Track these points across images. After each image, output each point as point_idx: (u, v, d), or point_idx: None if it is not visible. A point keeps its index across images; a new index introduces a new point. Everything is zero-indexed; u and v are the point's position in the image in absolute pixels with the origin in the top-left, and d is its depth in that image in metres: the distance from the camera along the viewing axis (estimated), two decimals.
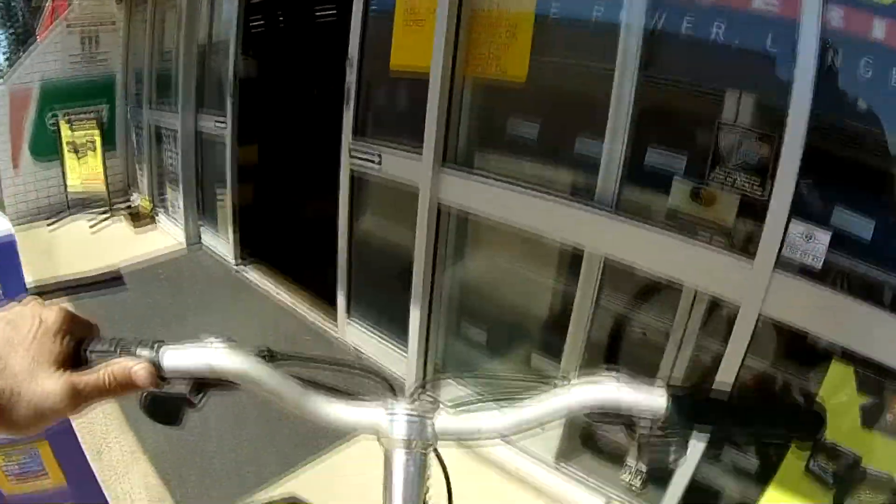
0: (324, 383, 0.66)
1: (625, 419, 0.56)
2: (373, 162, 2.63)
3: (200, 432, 2.27)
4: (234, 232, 3.77)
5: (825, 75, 1.69)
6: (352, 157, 2.72)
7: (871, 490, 1.75)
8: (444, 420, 0.63)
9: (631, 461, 2.04)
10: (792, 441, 0.85)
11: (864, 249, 1.72)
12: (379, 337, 2.89)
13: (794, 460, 1.77)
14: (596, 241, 1.96)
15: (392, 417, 0.62)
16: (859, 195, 1.78)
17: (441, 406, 0.66)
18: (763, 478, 1.82)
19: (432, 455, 0.63)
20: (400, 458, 0.61)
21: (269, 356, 0.63)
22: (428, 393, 0.67)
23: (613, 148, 1.95)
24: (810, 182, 1.73)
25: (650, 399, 0.57)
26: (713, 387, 0.94)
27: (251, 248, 3.84)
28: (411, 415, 0.62)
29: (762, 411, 0.66)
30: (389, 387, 0.68)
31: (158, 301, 3.38)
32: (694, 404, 0.58)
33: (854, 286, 1.70)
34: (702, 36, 1.93)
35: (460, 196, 2.33)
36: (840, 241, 1.70)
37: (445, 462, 0.67)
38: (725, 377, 1.71)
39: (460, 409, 0.67)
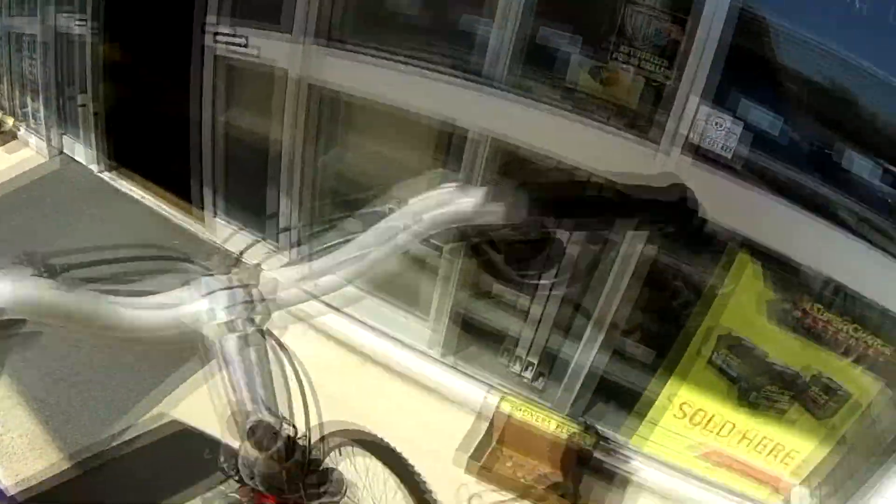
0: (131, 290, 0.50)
1: (481, 232, 0.41)
2: (239, 45, 2.28)
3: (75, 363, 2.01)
4: (97, 138, 3.38)
5: None
6: (216, 42, 2.35)
7: (776, 385, 1.81)
8: (270, 285, 0.51)
9: (521, 351, 1.99)
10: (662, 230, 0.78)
11: (771, 146, 1.68)
12: (249, 233, 2.63)
13: (695, 353, 1.77)
14: (483, 120, 1.79)
15: (209, 298, 0.48)
16: (771, 92, 1.72)
17: (264, 269, 0.49)
18: (666, 371, 1.83)
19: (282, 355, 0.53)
20: (232, 345, 0.49)
21: (49, 271, 0.46)
22: (245, 261, 0.54)
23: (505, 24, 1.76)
24: (722, 71, 1.64)
25: (498, 201, 0.46)
26: None
27: (117, 153, 3.45)
28: (231, 287, 0.49)
29: (626, 203, 0.56)
30: (200, 265, 0.53)
31: (24, 217, 2.97)
32: (551, 199, 0.49)
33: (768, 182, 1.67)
34: None
35: (336, 76, 2.08)
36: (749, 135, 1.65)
37: (289, 349, 0.55)
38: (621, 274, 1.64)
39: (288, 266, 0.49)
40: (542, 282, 0.50)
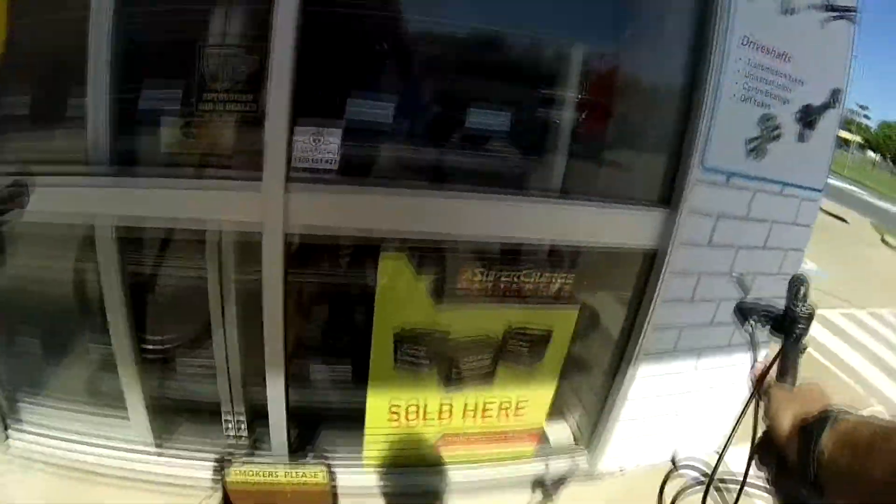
0: None
1: None
2: None
3: None
4: None
5: None
6: None
7: (471, 357, 1.89)
8: None
9: (226, 413, 1.91)
10: None
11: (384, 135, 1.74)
12: None
13: (381, 357, 1.80)
14: (99, 205, 1.67)
15: None
16: (375, 79, 1.79)
17: None
18: (362, 383, 1.84)
19: None
20: None
21: None
22: None
23: (97, 97, 1.65)
24: (314, 83, 1.67)
25: None
26: None
27: None
28: None
29: None
30: None
31: None
32: None
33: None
34: None
35: None
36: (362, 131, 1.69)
37: None
38: (271, 301, 1.61)
39: None
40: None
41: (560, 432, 2.23)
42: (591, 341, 2.08)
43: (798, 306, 0.82)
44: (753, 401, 0.82)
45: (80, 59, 1.69)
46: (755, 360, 0.87)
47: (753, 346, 0.89)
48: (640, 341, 1.85)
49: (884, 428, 0.58)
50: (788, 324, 0.83)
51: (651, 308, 1.81)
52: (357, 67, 1.70)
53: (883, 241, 11.45)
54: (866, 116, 49.81)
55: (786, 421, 0.69)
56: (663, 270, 1.78)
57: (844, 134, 43.91)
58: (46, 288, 2.01)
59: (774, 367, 0.82)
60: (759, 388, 0.81)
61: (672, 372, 1.97)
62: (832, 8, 1.95)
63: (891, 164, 42.59)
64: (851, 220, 12.34)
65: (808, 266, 6.23)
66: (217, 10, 1.71)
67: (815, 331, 4.48)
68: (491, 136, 1.72)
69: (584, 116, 1.85)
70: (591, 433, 2.10)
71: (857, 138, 44.21)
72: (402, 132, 1.71)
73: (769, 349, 0.89)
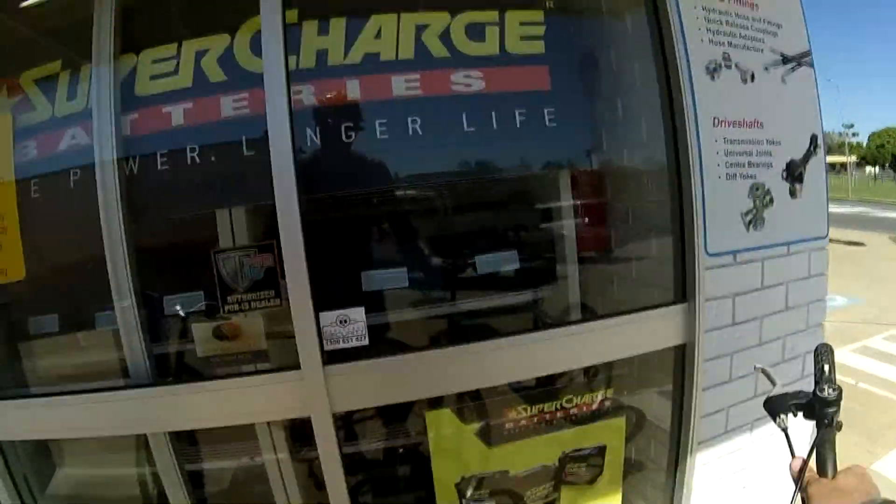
0: None
1: None
2: None
3: None
4: None
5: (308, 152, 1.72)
6: None
7: (535, 488, 1.90)
8: None
9: None
10: None
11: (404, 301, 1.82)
12: None
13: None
14: (146, 420, 1.73)
15: None
16: (382, 249, 1.88)
17: None
18: None
19: None
20: None
21: None
22: None
23: (125, 308, 1.73)
24: (329, 263, 1.76)
25: None
26: None
27: None
28: None
29: None
30: None
31: None
32: None
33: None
34: (179, 163, 1.82)
35: None
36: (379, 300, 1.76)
37: None
38: (333, 478, 1.64)
39: None
40: None
41: None
42: (648, 442, 2.10)
43: (825, 390, 0.83)
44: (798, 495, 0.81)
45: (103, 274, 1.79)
46: (793, 454, 0.87)
47: (788, 440, 0.89)
48: (690, 433, 1.87)
49: None
50: (819, 409, 0.83)
51: (693, 399, 1.84)
52: (364, 243, 1.79)
53: None
54: (854, 134, 50.19)
55: None
56: (696, 361, 1.81)
57: (840, 158, 44.27)
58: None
59: (813, 458, 0.82)
60: (800, 483, 0.80)
61: (730, 451, 1.97)
62: (787, 60, 2.04)
63: (891, 171, 42.62)
64: (869, 239, 12.19)
65: (839, 301, 6.20)
66: (223, 213, 1.82)
67: (861, 363, 4.43)
68: (504, 275, 1.79)
69: (583, 232, 1.92)
70: None
71: (853, 158, 44.35)
72: (418, 292, 1.79)
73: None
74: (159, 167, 1.83)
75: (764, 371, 1.12)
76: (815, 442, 0.82)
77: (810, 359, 1.89)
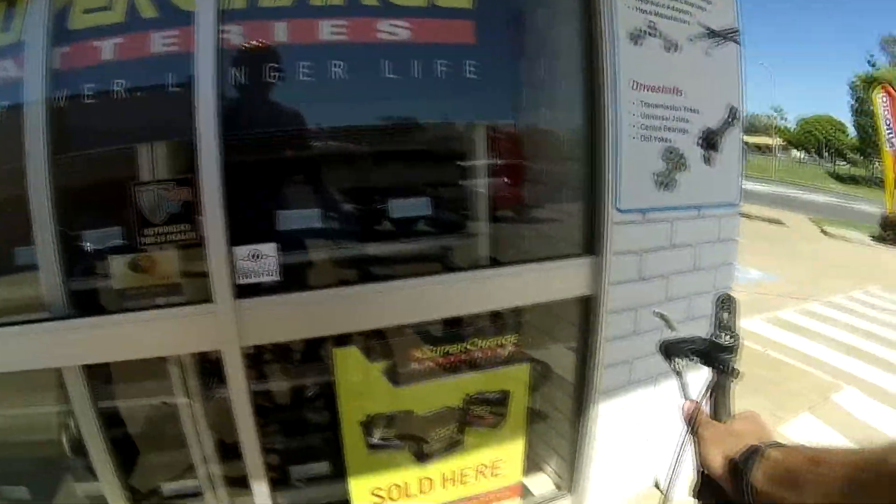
0: None
1: None
2: None
3: None
4: None
5: (232, 93, 1.74)
6: None
7: (441, 428, 1.96)
8: None
9: None
10: None
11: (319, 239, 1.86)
12: None
13: (354, 447, 1.87)
14: (62, 352, 1.74)
15: None
16: (299, 190, 1.91)
17: None
18: (341, 473, 1.90)
19: None
20: None
21: None
22: None
23: (45, 243, 1.74)
24: (245, 201, 1.78)
25: None
26: None
27: None
28: None
29: None
30: None
31: None
32: None
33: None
34: (106, 98, 1.82)
35: None
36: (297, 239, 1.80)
37: None
38: (242, 414, 1.68)
39: None
40: None
41: (541, 483, 2.30)
42: (552, 391, 2.18)
43: (721, 337, 0.82)
44: (689, 437, 0.80)
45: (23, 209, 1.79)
46: (685, 398, 0.86)
47: (682, 385, 0.88)
48: (594, 382, 1.95)
49: (812, 455, 0.60)
50: (715, 356, 0.82)
51: (597, 349, 1.91)
52: (281, 183, 1.82)
53: (823, 232, 11.78)
54: (782, 118, 51.48)
55: (717, 461, 0.70)
56: (600, 312, 1.88)
57: (766, 139, 45.37)
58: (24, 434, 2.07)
59: (706, 402, 0.81)
60: (692, 425, 0.80)
61: (633, 403, 2.06)
62: (714, 34, 2.12)
63: (816, 156, 43.88)
64: (789, 219, 12.60)
65: (753, 274, 6.43)
66: (145, 148, 1.84)
67: (775, 333, 4.64)
68: (416, 221, 1.84)
69: (498, 186, 1.98)
70: (571, 477, 2.17)
71: (779, 140, 45.64)
72: (332, 234, 1.82)
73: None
74: (86, 102, 1.83)
75: (663, 316, 1.12)
76: (708, 385, 0.82)
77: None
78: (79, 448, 1.87)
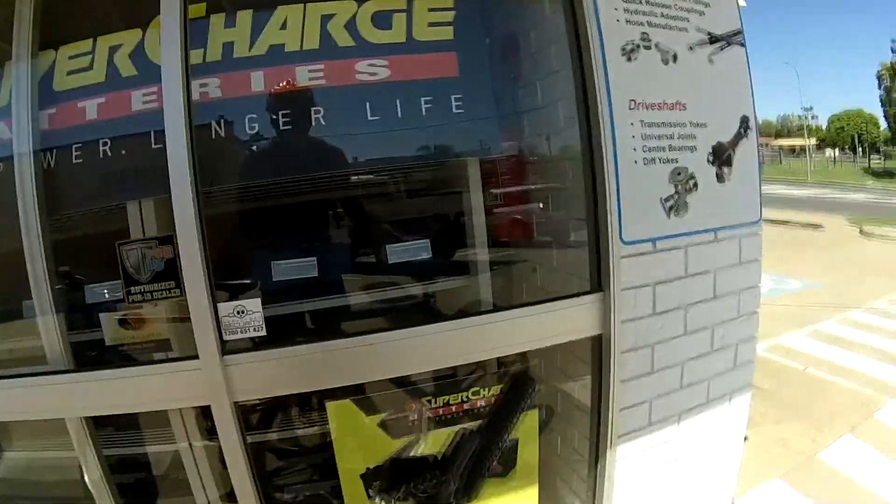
0: None
1: None
2: None
3: None
4: None
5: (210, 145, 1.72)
6: None
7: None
8: None
9: None
10: None
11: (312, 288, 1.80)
12: None
13: (354, 497, 1.79)
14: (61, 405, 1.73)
15: None
16: (286, 240, 1.86)
17: None
18: None
19: None
20: None
21: None
22: None
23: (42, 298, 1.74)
24: (230, 255, 1.75)
25: None
26: None
27: None
28: None
29: None
30: None
31: None
32: None
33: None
34: (92, 156, 1.84)
35: None
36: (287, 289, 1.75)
37: None
38: (237, 467, 1.62)
39: None
40: None
41: None
42: (566, 436, 2.04)
43: None
44: None
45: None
46: None
47: None
48: (609, 425, 1.80)
49: None
50: None
51: (611, 391, 1.78)
52: (267, 235, 1.77)
53: (862, 232, 11.26)
54: (814, 117, 49.74)
55: None
56: (612, 352, 1.75)
57: (800, 141, 43.67)
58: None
59: None
60: None
61: (656, 444, 1.90)
62: (716, 39, 1.97)
63: (850, 153, 41.88)
64: (827, 221, 12.13)
65: (794, 284, 6.07)
66: (133, 205, 1.83)
67: (816, 348, 4.40)
68: (408, 266, 1.76)
69: (494, 224, 1.89)
70: None
71: (812, 141, 43.89)
72: (322, 284, 1.76)
73: None
74: (74, 161, 1.85)
75: None
76: None
77: (743, 348, 1.82)
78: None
